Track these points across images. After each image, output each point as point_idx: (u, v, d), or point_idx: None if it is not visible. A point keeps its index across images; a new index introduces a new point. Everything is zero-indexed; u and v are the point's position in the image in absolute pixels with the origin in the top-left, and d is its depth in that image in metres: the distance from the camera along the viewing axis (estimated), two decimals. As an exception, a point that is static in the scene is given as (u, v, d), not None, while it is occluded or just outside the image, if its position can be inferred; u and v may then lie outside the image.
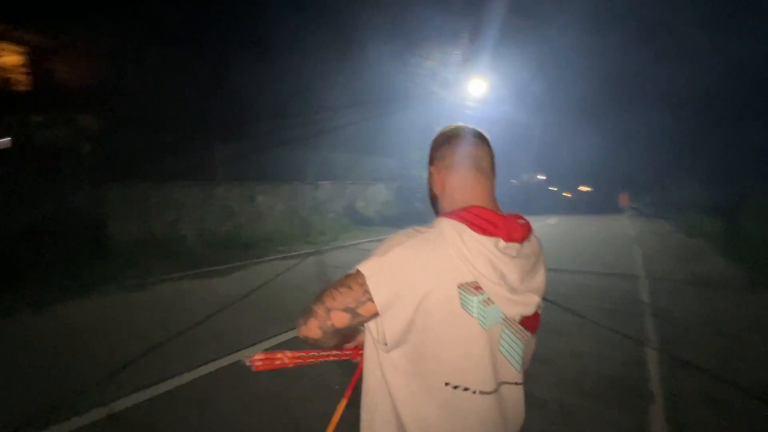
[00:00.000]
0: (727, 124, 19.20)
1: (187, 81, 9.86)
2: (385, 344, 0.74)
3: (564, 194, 29.72)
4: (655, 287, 5.63)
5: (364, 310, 0.73)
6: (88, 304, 4.84)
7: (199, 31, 10.88)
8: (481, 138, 0.86)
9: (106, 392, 2.72)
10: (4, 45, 8.53)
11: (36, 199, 6.70)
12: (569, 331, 3.86)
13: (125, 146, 8.20)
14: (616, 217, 20.17)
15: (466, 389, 0.73)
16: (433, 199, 0.90)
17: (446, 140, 0.87)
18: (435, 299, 0.71)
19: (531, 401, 0.81)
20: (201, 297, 5.11)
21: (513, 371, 0.78)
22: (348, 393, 0.95)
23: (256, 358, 0.95)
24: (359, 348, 0.97)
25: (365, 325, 0.78)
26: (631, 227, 14.37)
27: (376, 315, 0.74)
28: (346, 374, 2.93)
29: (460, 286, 0.71)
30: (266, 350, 2.72)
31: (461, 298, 0.71)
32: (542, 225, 14.46)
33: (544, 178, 30.34)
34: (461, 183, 0.83)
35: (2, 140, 7.63)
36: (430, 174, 0.89)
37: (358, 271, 0.73)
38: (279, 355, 0.96)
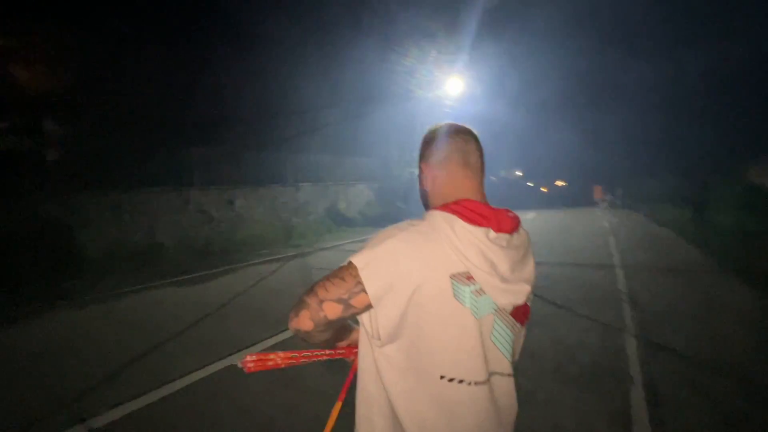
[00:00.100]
0: (694, 120, 20.19)
1: (160, 83, 9.56)
2: (379, 339, 0.75)
3: (541, 189, 30.44)
4: (629, 276, 5.86)
5: (356, 302, 0.73)
6: (60, 318, 4.64)
7: (173, 31, 10.57)
8: (470, 134, 0.88)
9: (83, 408, 2.62)
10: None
11: (-1, 211, 6.36)
12: (550, 322, 3.97)
13: (95, 152, 7.89)
14: (590, 210, 20.84)
15: (460, 381, 0.74)
16: (424, 195, 0.92)
17: (436, 137, 0.89)
18: (428, 290, 0.72)
19: (518, 393, 0.84)
20: (182, 305, 4.98)
21: (504, 362, 0.80)
22: (343, 394, 0.95)
23: (248, 360, 0.94)
24: (352, 347, 0.97)
25: (359, 319, 0.79)
26: (605, 219, 14.87)
27: (369, 307, 0.74)
28: (338, 377, 2.93)
29: (452, 277, 0.73)
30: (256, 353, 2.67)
31: (453, 289, 0.73)
32: (521, 220, 14.72)
33: (521, 174, 30.99)
34: (451, 178, 0.85)
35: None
36: (421, 171, 0.91)
37: (350, 263, 0.74)
38: (272, 356, 0.95)
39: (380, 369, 0.77)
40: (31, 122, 7.74)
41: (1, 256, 5.91)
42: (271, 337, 3.79)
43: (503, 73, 16.99)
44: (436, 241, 0.74)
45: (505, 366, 0.80)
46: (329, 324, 0.76)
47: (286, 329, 3.92)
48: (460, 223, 0.74)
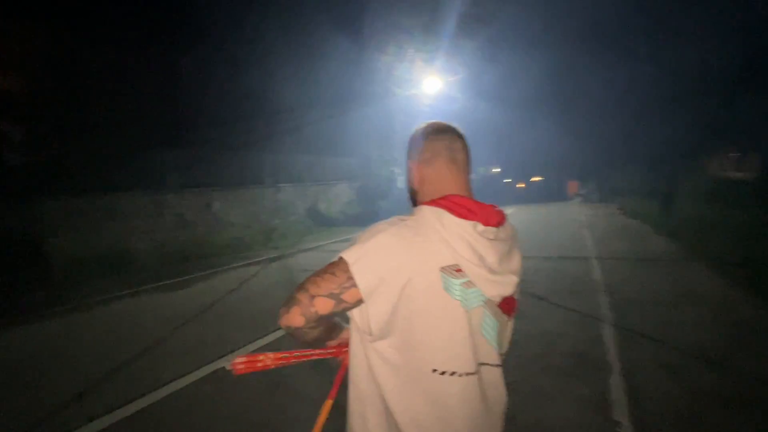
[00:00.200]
0: (661, 116, 21.15)
1: (131, 83, 9.22)
2: (371, 334, 0.75)
3: (518, 185, 31.09)
4: (604, 266, 6.07)
5: (348, 296, 0.73)
6: (30, 330, 4.41)
7: (145, 30, 10.18)
8: (456, 133, 0.90)
9: (55, 426, 2.50)
10: None
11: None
12: (531, 313, 4.07)
13: (61, 156, 7.54)
14: (566, 204, 21.47)
15: (452, 373, 0.75)
16: (412, 193, 0.93)
17: (423, 136, 0.90)
18: (418, 283, 0.73)
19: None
20: (161, 312, 4.83)
21: (493, 353, 0.81)
22: (333, 393, 0.95)
23: (238, 362, 0.92)
24: (342, 346, 0.97)
25: (350, 315, 0.79)
26: (580, 213, 15.36)
27: (360, 302, 0.74)
28: (325, 378, 2.91)
29: (442, 270, 0.74)
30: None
31: (443, 281, 0.74)
32: (500, 216, 15.01)
33: (498, 170, 31.55)
34: (438, 175, 0.86)
35: None
36: (409, 169, 0.92)
37: (341, 258, 0.74)
38: (261, 357, 0.94)
39: (372, 365, 0.77)
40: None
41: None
42: (255, 340, 3.73)
43: (480, 71, 17.27)
44: (425, 235, 0.75)
45: (494, 357, 0.82)
46: (320, 319, 0.76)
47: (270, 332, 3.87)
48: (448, 217, 0.76)
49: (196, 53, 11.01)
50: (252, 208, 11.08)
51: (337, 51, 13.86)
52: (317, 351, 0.97)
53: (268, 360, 0.94)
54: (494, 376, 0.82)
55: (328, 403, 0.93)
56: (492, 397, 0.82)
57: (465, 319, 0.76)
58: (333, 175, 14.68)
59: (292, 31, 13.70)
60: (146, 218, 8.46)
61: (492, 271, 0.76)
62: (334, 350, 0.98)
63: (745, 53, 16.38)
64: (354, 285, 0.72)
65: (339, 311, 0.76)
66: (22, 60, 8.30)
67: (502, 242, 0.81)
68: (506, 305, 0.84)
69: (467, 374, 0.76)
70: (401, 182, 15.79)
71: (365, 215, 13.68)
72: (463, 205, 0.77)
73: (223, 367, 0.94)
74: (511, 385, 0.85)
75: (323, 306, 0.74)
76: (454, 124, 0.92)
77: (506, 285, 0.78)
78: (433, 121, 0.93)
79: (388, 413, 0.77)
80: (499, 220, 0.81)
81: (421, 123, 0.94)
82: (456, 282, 0.74)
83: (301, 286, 0.75)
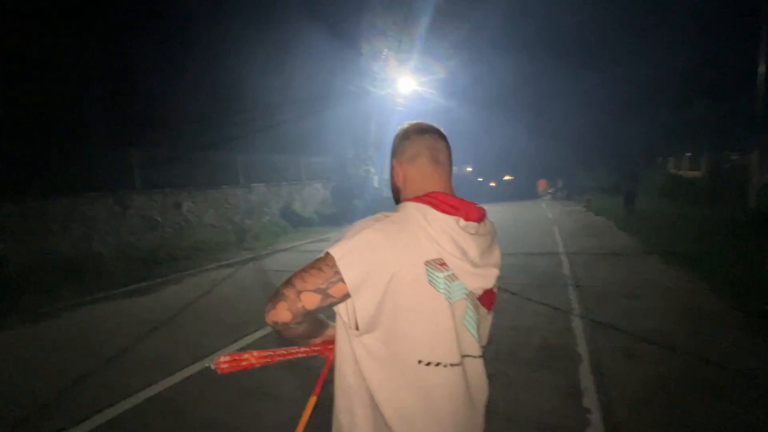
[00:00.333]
0: (624, 118, 22.39)
1: (94, 80, 8.74)
2: (357, 328, 0.77)
3: (490, 184, 31.83)
4: (572, 261, 6.34)
5: (334, 291, 0.75)
6: (-20, 342, 4.11)
7: (109, 24, 9.66)
8: (438, 133, 0.93)
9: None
10: None
11: None
12: (504, 308, 4.19)
13: (13, 156, 7.04)
14: (536, 202, 22.19)
15: (437, 364, 0.78)
16: (395, 191, 0.95)
17: (406, 135, 0.93)
18: (403, 277, 0.75)
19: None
20: (128, 318, 4.62)
21: (474, 345, 0.85)
22: (317, 390, 0.96)
23: (222, 361, 0.91)
24: (327, 343, 0.98)
25: (336, 310, 0.80)
26: (548, 210, 15.91)
27: (346, 296, 0.76)
28: (302, 380, 2.89)
29: (427, 263, 0.76)
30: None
31: (428, 275, 0.76)
32: (474, 214, 15.34)
33: (470, 169, 32.17)
34: (421, 174, 0.89)
35: None
36: (392, 167, 0.94)
37: (327, 254, 0.76)
38: (246, 356, 0.93)
39: (358, 359, 0.79)
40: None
41: None
42: (229, 344, 3.65)
43: (453, 72, 17.55)
44: (410, 230, 0.77)
45: (476, 349, 0.86)
46: (307, 314, 0.77)
47: (245, 336, 3.80)
48: (432, 212, 0.79)
49: (164, 48, 10.59)
50: (224, 208, 10.77)
51: (311, 49, 13.71)
52: (302, 349, 0.98)
53: (253, 359, 0.94)
54: (477, 367, 0.86)
55: (312, 400, 0.94)
56: (475, 388, 0.85)
57: (449, 312, 0.78)
58: (307, 175, 14.49)
59: (265, 27, 13.43)
60: (110, 220, 8.05)
61: (474, 264, 0.80)
62: (318, 348, 0.98)
63: (697, 64, 17.67)
64: (341, 280, 0.74)
65: (326, 306, 0.77)
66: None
67: (482, 237, 0.84)
68: (486, 298, 0.87)
69: (452, 365, 0.79)
70: (377, 182, 15.81)
71: (340, 215, 13.60)
72: (445, 202, 0.80)
73: (208, 367, 0.93)
74: (487, 377, 0.89)
75: (310, 301, 0.75)
76: (437, 125, 0.95)
77: (488, 278, 0.82)
78: (417, 121, 0.95)
79: (374, 407, 0.79)
80: (480, 216, 0.84)
81: (404, 123, 0.96)
82: (440, 275, 0.77)
83: (287, 282, 0.76)
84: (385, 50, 14.06)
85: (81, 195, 7.62)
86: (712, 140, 15.63)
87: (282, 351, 0.97)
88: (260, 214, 11.99)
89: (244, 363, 0.93)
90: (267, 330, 3.90)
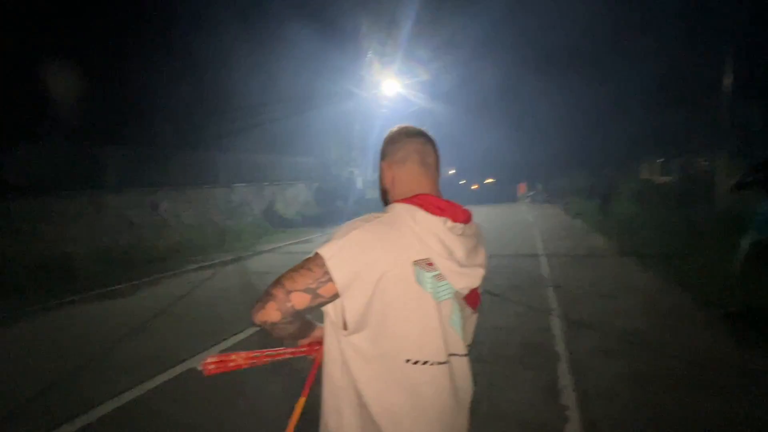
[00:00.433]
0: (599, 125, 23.27)
1: (66, 74, 8.39)
2: (345, 328, 0.78)
3: (472, 187, 32.28)
4: (551, 263, 6.50)
5: (324, 291, 0.75)
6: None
7: (84, 16, 9.31)
8: (426, 137, 0.96)
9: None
10: None
11: None
12: (486, 309, 4.25)
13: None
14: (516, 204, 22.64)
15: (425, 363, 0.79)
16: (384, 192, 0.97)
17: (396, 139, 0.95)
18: (392, 277, 0.76)
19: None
20: (103, 321, 4.47)
21: (460, 344, 0.87)
22: (306, 390, 0.96)
23: (209, 362, 0.90)
24: (314, 344, 0.98)
25: (324, 310, 0.81)
26: (529, 213, 16.26)
27: (336, 296, 0.77)
28: (286, 381, 2.86)
29: (415, 263, 0.78)
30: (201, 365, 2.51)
31: (416, 274, 0.78)
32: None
33: (453, 172, 32.56)
34: (409, 176, 0.91)
35: None
36: (381, 169, 0.96)
37: (317, 254, 0.76)
38: (233, 357, 0.92)
39: (347, 359, 0.79)
40: None
41: None
42: (210, 347, 3.57)
43: (437, 75, 17.74)
44: (398, 230, 0.79)
45: (462, 348, 0.88)
46: (296, 314, 0.77)
47: (226, 338, 3.73)
48: (421, 213, 0.80)
49: (143, 42, 10.29)
50: (204, 208, 10.54)
51: (296, 49, 13.60)
52: (289, 350, 0.97)
53: (240, 360, 0.93)
54: (462, 366, 0.88)
55: (301, 401, 0.94)
56: (461, 386, 0.87)
57: (436, 311, 0.80)
58: (290, 175, 14.35)
59: (250, 25, 13.26)
60: (84, 220, 7.76)
61: (460, 264, 0.82)
62: (305, 349, 0.98)
63: (668, 74, 18.53)
64: (330, 280, 0.74)
65: (315, 306, 0.77)
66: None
67: (468, 238, 0.86)
68: (472, 299, 0.89)
69: (438, 363, 0.81)
70: (361, 183, 15.80)
71: (323, 216, 13.52)
72: (433, 203, 0.82)
73: (194, 368, 0.91)
74: (468, 377, 0.91)
75: (300, 301, 0.75)
76: (425, 129, 0.97)
77: (473, 277, 0.84)
78: (406, 125, 0.97)
79: (362, 406, 0.79)
80: (466, 218, 0.86)
81: (394, 127, 0.98)
82: (428, 275, 0.79)
83: (276, 282, 0.76)
84: (371, 52, 14.09)
85: (51, 194, 7.32)
86: (682, 146, 16.35)
87: (269, 352, 0.97)
88: (242, 214, 11.79)
89: (231, 364, 0.92)
90: (248, 333, 3.85)
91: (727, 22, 10.80)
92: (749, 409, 2.35)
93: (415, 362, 0.79)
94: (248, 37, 12.65)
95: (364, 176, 16.07)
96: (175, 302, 5.09)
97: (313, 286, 0.75)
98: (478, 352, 3.19)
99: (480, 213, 16.15)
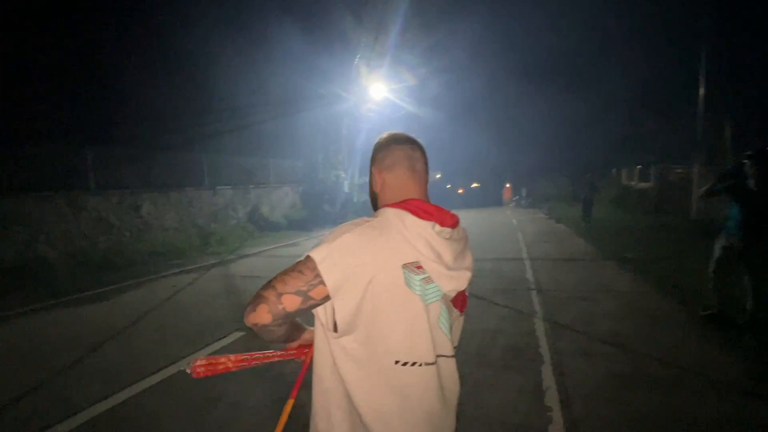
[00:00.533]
0: (581, 131, 23.96)
1: (41, 69, 8.14)
2: (335, 330, 0.78)
3: (458, 191, 32.62)
4: (535, 266, 6.61)
5: (315, 293, 0.76)
6: None
7: (62, 9, 9.03)
8: (416, 144, 0.98)
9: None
10: None
11: None
12: (472, 312, 4.31)
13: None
14: (501, 209, 22.97)
15: (413, 364, 0.81)
16: (373, 197, 0.99)
17: (386, 145, 0.97)
18: (382, 279, 0.78)
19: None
20: (81, 327, 4.33)
21: (448, 345, 0.89)
22: (294, 392, 0.96)
23: (198, 365, 0.89)
24: (303, 347, 0.98)
25: (315, 313, 0.81)
26: (513, 217, 16.51)
27: (327, 298, 0.78)
28: (267, 387, 2.83)
29: (404, 266, 0.80)
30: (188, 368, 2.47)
31: (405, 277, 0.80)
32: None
33: (439, 176, 32.84)
34: (398, 181, 0.93)
35: None
36: (371, 174, 0.98)
37: (308, 257, 0.77)
38: (222, 359, 0.92)
39: (337, 361, 0.80)
40: None
41: None
42: (193, 353, 3.50)
43: (424, 80, 17.91)
44: (388, 234, 0.80)
45: (449, 349, 0.89)
46: (287, 316, 0.78)
47: (209, 344, 3.67)
48: (410, 218, 0.82)
49: (126, 39, 10.07)
50: (187, 211, 10.34)
51: (283, 51, 13.53)
52: (278, 353, 0.98)
53: (229, 362, 0.93)
54: (450, 367, 0.90)
55: (290, 403, 0.94)
56: (448, 387, 0.89)
57: (424, 313, 0.82)
58: (276, 178, 14.21)
59: (237, 25, 13.12)
60: (60, 222, 7.51)
61: (448, 267, 0.84)
62: (294, 352, 0.99)
63: (646, 84, 19.27)
64: (321, 282, 0.75)
65: (306, 308, 0.78)
66: None
67: (456, 242, 0.89)
68: (459, 301, 0.92)
69: (427, 364, 0.82)
70: (347, 186, 15.77)
71: (310, 220, 13.43)
72: (422, 208, 0.84)
73: (184, 370, 0.90)
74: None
75: (291, 303, 0.76)
76: (414, 136, 1.00)
77: (461, 280, 0.86)
78: (396, 132, 0.99)
79: (352, 408, 0.80)
80: (453, 222, 0.89)
81: (384, 133, 1.00)
82: (416, 277, 0.80)
83: (267, 285, 0.77)
84: (358, 56, 14.14)
85: (26, 195, 7.07)
86: (660, 154, 16.94)
87: (258, 355, 0.96)
88: (226, 217, 11.62)
89: (220, 367, 0.92)
90: (232, 338, 3.79)
91: (700, 38, 11.29)
92: (725, 410, 2.44)
93: (404, 363, 0.80)
94: (235, 38, 12.52)
95: (350, 180, 16.04)
96: (157, 307, 4.97)
97: (305, 288, 0.75)
98: (465, 354, 3.23)
99: (466, 217, 16.36)
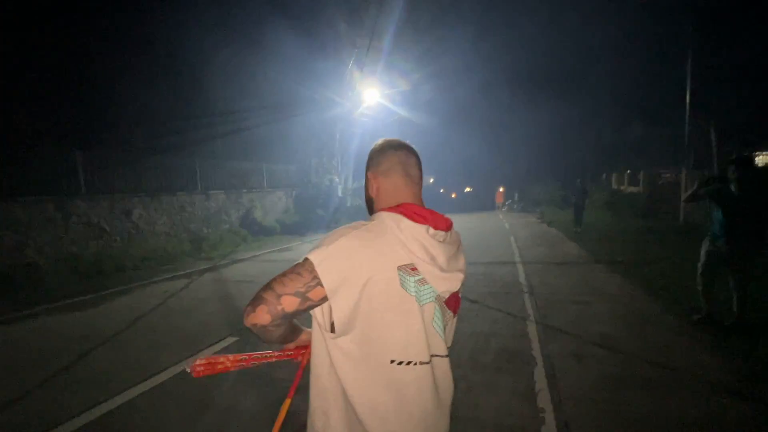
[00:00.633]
0: (573, 137, 24.36)
1: (31, 72, 8.05)
2: (332, 331, 0.80)
3: (451, 195, 32.82)
4: (527, 270, 6.67)
5: (313, 294, 0.78)
6: None
7: (53, 11, 8.95)
8: (411, 150, 1.01)
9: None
10: None
11: None
12: (465, 315, 4.33)
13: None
14: (493, 213, 23.13)
15: (409, 363, 0.83)
16: (369, 202, 1.01)
17: (381, 150, 0.99)
18: (378, 281, 0.80)
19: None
20: (69, 333, 4.26)
21: (442, 345, 0.91)
22: (291, 392, 0.97)
23: (198, 364, 0.90)
24: (300, 348, 1.00)
25: (312, 314, 0.83)
26: (505, 221, 16.64)
27: (324, 300, 0.80)
28: (260, 392, 2.81)
29: (399, 268, 0.82)
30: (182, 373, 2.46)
31: (400, 279, 0.82)
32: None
33: (432, 180, 33.01)
34: (393, 186, 0.95)
35: None
36: (367, 179, 1.00)
37: (306, 260, 0.79)
38: (221, 359, 0.93)
39: (334, 361, 0.82)
40: None
41: None
42: (186, 358, 3.47)
43: (417, 85, 18.05)
44: (384, 237, 0.83)
45: (443, 349, 0.92)
46: (286, 317, 0.80)
47: (201, 350, 3.64)
48: (405, 221, 0.84)
49: (117, 42, 10.00)
50: (179, 216, 10.26)
51: (276, 55, 13.55)
52: (276, 353, 0.99)
53: (228, 362, 0.94)
54: (444, 366, 0.92)
55: (287, 403, 0.95)
56: (442, 386, 0.91)
57: (419, 314, 0.84)
58: (269, 183, 14.17)
59: (230, 29, 13.10)
60: (49, 227, 7.41)
61: (442, 269, 0.86)
62: (292, 352, 1.00)
63: (636, 91, 19.69)
64: (319, 284, 0.77)
65: (304, 309, 0.80)
66: None
67: (449, 245, 0.91)
68: (452, 303, 0.94)
69: (422, 363, 0.84)
70: (341, 191, 15.77)
71: (303, 224, 13.39)
72: (416, 212, 0.87)
73: (184, 369, 0.91)
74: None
75: (289, 304, 0.77)
76: (409, 142, 1.02)
77: (454, 281, 0.89)
78: (391, 138, 1.02)
79: (348, 406, 0.82)
80: (447, 226, 0.91)
81: (379, 139, 1.03)
82: (411, 279, 0.83)
83: (266, 286, 0.79)
84: (352, 61, 14.21)
85: (14, 200, 6.97)
86: (649, 159, 17.24)
87: (256, 355, 0.98)
88: (218, 222, 11.55)
89: (219, 367, 0.93)
90: (225, 343, 3.77)
91: (686, 45, 11.57)
92: (714, 410, 2.48)
93: (400, 362, 0.82)
94: (228, 42, 12.52)
95: (344, 184, 16.05)
96: (149, 312, 4.92)
97: (303, 290, 0.77)
98: (458, 357, 3.24)
99: (459, 221, 16.44)
